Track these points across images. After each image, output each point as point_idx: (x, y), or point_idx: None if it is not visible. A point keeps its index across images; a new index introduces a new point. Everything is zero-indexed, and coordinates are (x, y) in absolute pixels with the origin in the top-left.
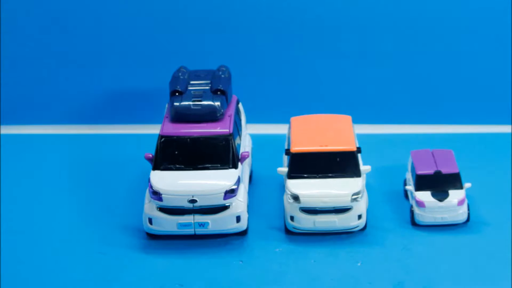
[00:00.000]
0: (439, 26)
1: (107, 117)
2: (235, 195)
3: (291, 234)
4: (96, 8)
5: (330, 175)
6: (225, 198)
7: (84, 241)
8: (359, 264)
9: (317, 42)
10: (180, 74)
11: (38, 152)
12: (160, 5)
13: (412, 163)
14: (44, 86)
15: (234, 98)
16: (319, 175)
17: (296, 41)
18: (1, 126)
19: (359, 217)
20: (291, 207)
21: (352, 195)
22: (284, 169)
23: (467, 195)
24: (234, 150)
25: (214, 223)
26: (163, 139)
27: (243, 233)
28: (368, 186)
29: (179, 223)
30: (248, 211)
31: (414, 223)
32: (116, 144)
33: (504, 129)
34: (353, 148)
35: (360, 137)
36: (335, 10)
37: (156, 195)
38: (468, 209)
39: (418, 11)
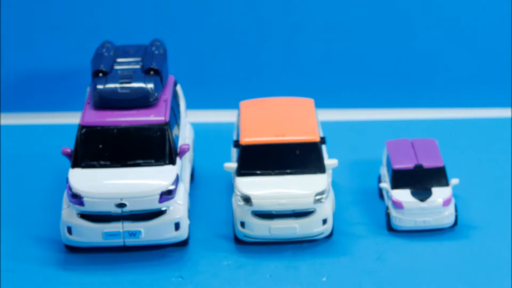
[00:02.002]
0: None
1: (16, 104)
2: (173, 197)
3: (242, 243)
4: None
5: (288, 171)
6: (160, 201)
7: None
8: (324, 279)
9: (272, 10)
10: (104, 50)
11: None
12: None
13: (388, 156)
14: None
15: (171, 79)
16: (275, 171)
17: (245, 6)
18: None
19: (324, 221)
20: (241, 211)
21: (316, 195)
22: (232, 165)
23: (454, 194)
24: (172, 143)
25: (148, 232)
26: (84, 130)
27: (184, 243)
28: (334, 184)
29: (105, 232)
30: (189, 217)
31: (390, 228)
32: (27, 137)
33: (494, 113)
34: (316, 138)
35: (324, 125)
36: None
37: (76, 198)
38: (456, 211)
39: None
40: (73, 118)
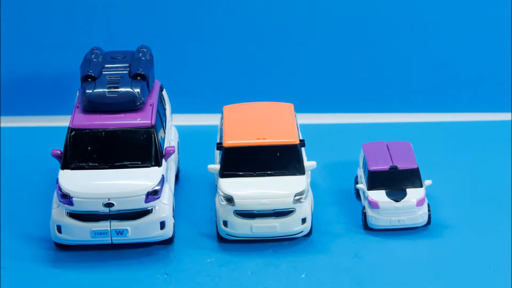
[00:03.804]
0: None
1: (7, 108)
2: (158, 197)
3: (225, 241)
4: None
5: (269, 172)
6: (147, 201)
7: None
8: (303, 276)
9: (254, 17)
10: (93, 56)
11: None
12: None
13: (364, 158)
14: None
15: (157, 84)
16: (257, 173)
17: (228, 15)
18: None
19: (303, 221)
20: (224, 211)
21: (295, 196)
22: (215, 167)
23: (428, 194)
24: (157, 145)
25: (135, 231)
26: (73, 133)
27: (169, 241)
28: (313, 185)
29: (93, 230)
30: (174, 216)
31: (367, 227)
32: (18, 139)
33: (466, 117)
34: (295, 141)
35: (303, 128)
36: None
37: (66, 198)
38: (429, 210)
39: None
40: (62, 122)
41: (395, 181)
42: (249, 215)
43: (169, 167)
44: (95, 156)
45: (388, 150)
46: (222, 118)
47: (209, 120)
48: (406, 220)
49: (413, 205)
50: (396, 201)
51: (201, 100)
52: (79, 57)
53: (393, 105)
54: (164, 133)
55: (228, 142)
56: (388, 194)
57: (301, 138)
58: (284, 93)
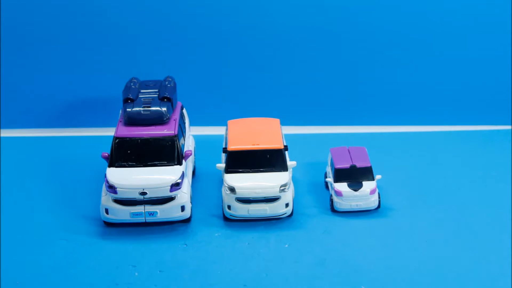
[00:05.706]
0: (363, 23)
1: (72, 121)
2: (180, 188)
3: (229, 220)
4: (61, 21)
5: (261, 169)
6: (171, 190)
7: (49, 229)
8: (286, 246)
9: (248, 56)
10: (131, 84)
11: (15, 153)
12: (114, 28)
13: (331, 159)
14: (12, 92)
15: (179, 104)
16: (252, 169)
17: (232, 55)
18: None
19: (287, 205)
20: (228, 198)
21: (280, 187)
22: (222, 165)
23: (378, 186)
24: (179, 149)
25: (162, 212)
26: (117, 140)
27: (187, 220)
28: (294, 178)
29: (132, 212)
30: (191, 202)
31: (333, 210)
32: (77, 145)
33: (407, 128)
34: (281, 146)
35: (287, 136)
36: (264, 21)
37: (112, 188)
38: (379, 197)
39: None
40: (110, 132)
41: (354, 176)
42: (246, 201)
43: (187, 165)
44: (133, 157)
45: (349, 153)
46: (226, 129)
47: (217, 131)
48: (363, 204)
49: (367, 193)
50: (355, 190)
51: (211, 116)
52: (121, 85)
53: (353, 119)
54: (184, 140)
55: (231, 147)
56: (349, 185)
57: (285, 144)
58: (272, 111)
